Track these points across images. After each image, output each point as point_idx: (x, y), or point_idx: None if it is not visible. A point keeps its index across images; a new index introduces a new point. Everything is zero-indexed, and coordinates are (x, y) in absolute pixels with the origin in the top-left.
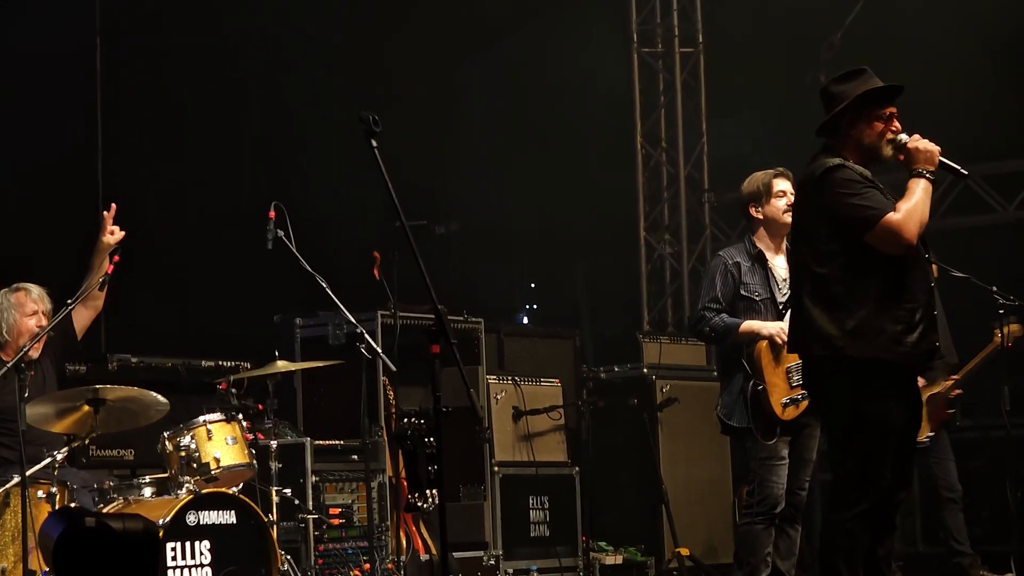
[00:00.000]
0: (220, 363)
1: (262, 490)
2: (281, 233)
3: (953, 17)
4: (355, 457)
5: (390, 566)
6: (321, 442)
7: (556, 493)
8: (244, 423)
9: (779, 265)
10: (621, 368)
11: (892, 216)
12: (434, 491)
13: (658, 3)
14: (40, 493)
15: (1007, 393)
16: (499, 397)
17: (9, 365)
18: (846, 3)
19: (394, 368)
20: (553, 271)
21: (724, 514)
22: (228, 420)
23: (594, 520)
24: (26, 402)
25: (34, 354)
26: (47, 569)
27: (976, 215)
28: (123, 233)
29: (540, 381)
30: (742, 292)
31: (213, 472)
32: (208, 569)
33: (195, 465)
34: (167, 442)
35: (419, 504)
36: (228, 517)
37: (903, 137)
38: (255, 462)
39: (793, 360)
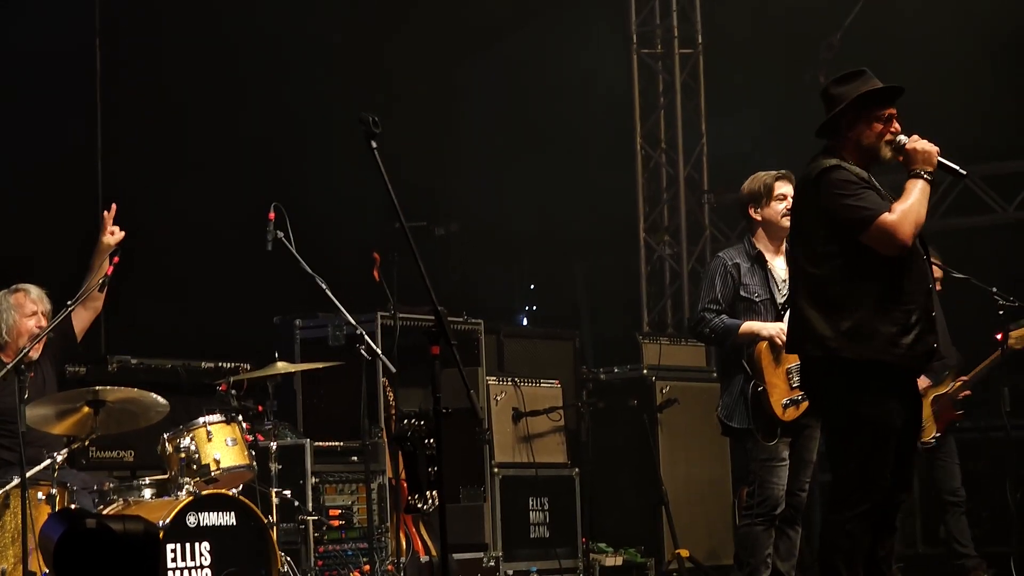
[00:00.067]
0: (220, 364)
1: (262, 491)
2: (281, 234)
3: (952, 17)
4: (355, 458)
5: (390, 567)
6: (321, 443)
7: (556, 494)
8: (244, 424)
9: (779, 266)
10: (621, 369)
11: (887, 217)
12: (434, 492)
13: (657, 4)
14: (40, 495)
15: (1007, 394)
16: (499, 398)
17: (9, 366)
18: (846, 3)
19: (394, 369)
20: (553, 272)
21: (724, 515)
22: (228, 421)
23: (594, 521)
24: (26, 403)
25: (34, 355)
26: (47, 571)
27: (976, 215)
28: (123, 233)
29: (540, 382)
30: (742, 293)
31: (213, 473)
32: (208, 570)
33: (195, 466)
34: (167, 443)
35: (419, 505)
36: (228, 518)
37: (902, 138)
38: (255, 463)
39: (793, 361)
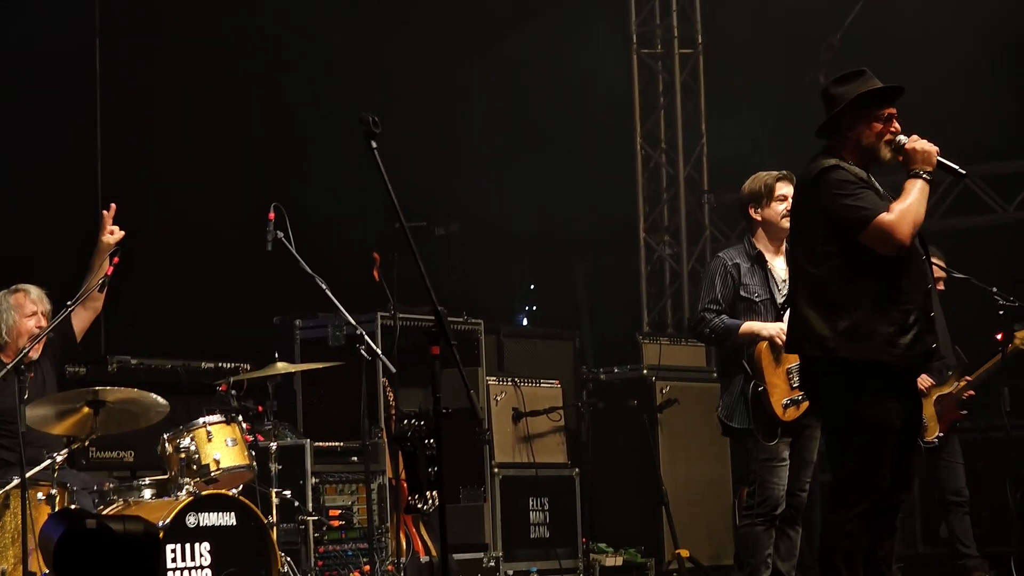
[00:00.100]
0: (220, 365)
1: (262, 492)
2: (281, 234)
3: (952, 18)
4: (355, 459)
5: (390, 568)
6: (321, 444)
7: (556, 494)
8: (244, 425)
9: (779, 266)
10: (621, 369)
11: (884, 216)
12: (434, 493)
13: (657, 4)
14: (40, 495)
15: (1007, 394)
16: (499, 398)
17: (9, 367)
18: (845, 4)
19: (394, 369)
20: (553, 272)
21: (724, 515)
22: (228, 422)
23: (594, 521)
24: (26, 404)
25: (34, 355)
26: (47, 571)
27: (976, 216)
28: (123, 233)
29: (540, 382)
30: (742, 293)
31: (213, 474)
32: (208, 571)
33: (195, 467)
34: (167, 444)
35: (419, 506)
36: (228, 519)
37: (902, 138)
38: (255, 464)
39: (793, 361)
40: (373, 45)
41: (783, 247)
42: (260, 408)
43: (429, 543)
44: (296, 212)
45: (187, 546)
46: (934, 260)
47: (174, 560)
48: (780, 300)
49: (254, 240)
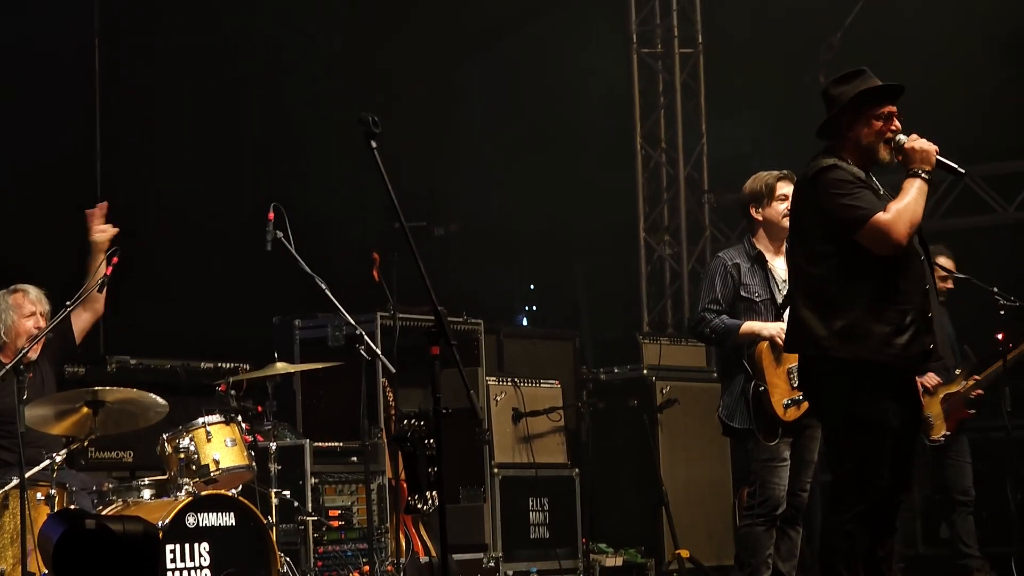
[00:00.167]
0: (219, 365)
1: (261, 492)
2: (280, 234)
3: (953, 17)
4: (355, 459)
5: (390, 568)
6: (320, 444)
7: (556, 495)
8: (243, 425)
9: (779, 266)
10: (621, 369)
11: (881, 216)
12: (434, 493)
13: (657, 4)
14: (39, 495)
15: (1007, 394)
16: (499, 399)
17: (8, 367)
18: (845, 4)
19: (393, 370)
20: (553, 272)
21: (724, 516)
22: (227, 422)
23: (594, 522)
24: (25, 404)
25: (33, 356)
26: (47, 571)
27: (976, 215)
28: (115, 230)
29: (540, 382)
30: (742, 293)
31: (212, 474)
32: (207, 571)
33: (194, 467)
34: (166, 444)
35: (419, 506)
36: (227, 519)
37: (901, 137)
38: (254, 464)
39: (794, 361)
40: (373, 45)
41: (784, 247)
42: (259, 408)
43: (429, 543)
44: (296, 212)
45: (186, 546)
46: (941, 261)
47: (173, 560)
48: (780, 300)
49: (254, 240)
